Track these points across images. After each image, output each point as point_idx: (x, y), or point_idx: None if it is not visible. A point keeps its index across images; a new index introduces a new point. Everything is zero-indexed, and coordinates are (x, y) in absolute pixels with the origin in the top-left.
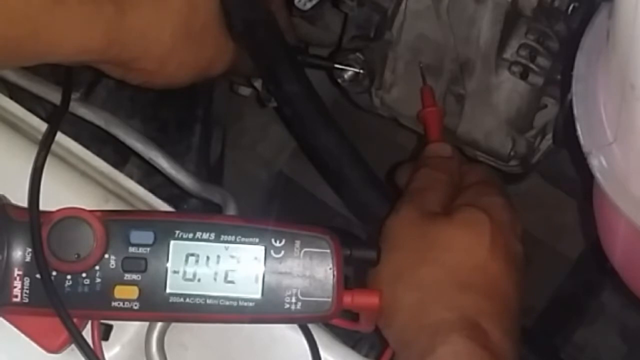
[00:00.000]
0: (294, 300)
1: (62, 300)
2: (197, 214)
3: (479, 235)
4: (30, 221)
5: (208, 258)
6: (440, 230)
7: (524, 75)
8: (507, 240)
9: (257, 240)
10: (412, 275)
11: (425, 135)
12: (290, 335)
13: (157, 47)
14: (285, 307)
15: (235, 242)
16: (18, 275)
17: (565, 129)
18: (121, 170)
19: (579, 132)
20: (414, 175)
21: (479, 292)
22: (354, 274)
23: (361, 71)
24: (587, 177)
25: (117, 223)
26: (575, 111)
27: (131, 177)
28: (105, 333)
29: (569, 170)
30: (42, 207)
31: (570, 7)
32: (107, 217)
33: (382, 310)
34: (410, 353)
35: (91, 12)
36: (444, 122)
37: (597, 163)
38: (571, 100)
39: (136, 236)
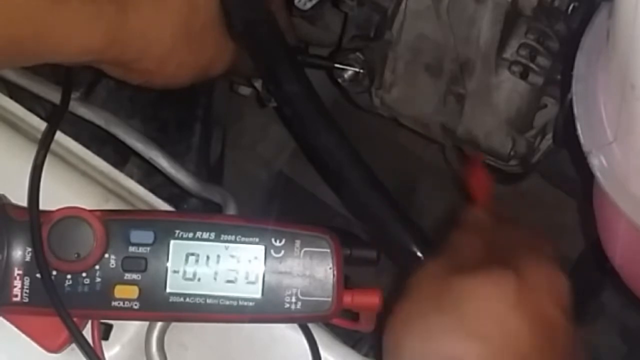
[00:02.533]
0: (294, 299)
1: (62, 300)
2: (197, 213)
3: (503, 291)
4: (30, 221)
5: (208, 258)
6: (461, 282)
7: (524, 75)
8: (540, 304)
9: (257, 239)
10: (420, 322)
11: (471, 197)
12: (290, 335)
13: (157, 47)
14: (285, 306)
15: (235, 241)
16: (18, 274)
17: (565, 129)
18: (121, 170)
19: (579, 131)
20: (451, 237)
21: (489, 342)
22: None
23: (361, 71)
24: (587, 177)
25: (117, 223)
26: (575, 111)
27: (131, 177)
28: (105, 333)
29: (569, 170)
30: (42, 207)
31: (570, 7)
32: (107, 217)
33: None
34: None
35: (93, 12)
36: (489, 186)
37: (597, 163)
38: (571, 100)
39: (136, 236)
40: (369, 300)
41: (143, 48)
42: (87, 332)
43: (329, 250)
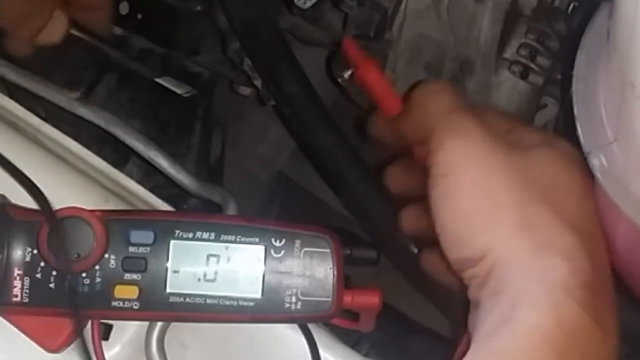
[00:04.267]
0: (294, 299)
1: (61, 299)
2: (197, 213)
3: (570, 166)
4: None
5: (208, 258)
6: (529, 157)
7: (524, 75)
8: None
9: (257, 239)
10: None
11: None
12: (290, 335)
13: None
14: (286, 306)
15: (235, 241)
16: (18, 275)
17: (566, 129)
18: (121, 170)
19: (579, 131)
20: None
21: (584, 236)
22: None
23: None
24: None
25: (117, 223)
26: (575, 110)
27: (131, 177)
28: (105, 333)
29: None
30: None
31: (571, 7)
32: (107, 217)
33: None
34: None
35: None
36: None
37: (597, 162)
38: (571, 100)
39: (136, 236)
40: (369, 300)
41: None
42: (87, 332)
43: (329, 250)
